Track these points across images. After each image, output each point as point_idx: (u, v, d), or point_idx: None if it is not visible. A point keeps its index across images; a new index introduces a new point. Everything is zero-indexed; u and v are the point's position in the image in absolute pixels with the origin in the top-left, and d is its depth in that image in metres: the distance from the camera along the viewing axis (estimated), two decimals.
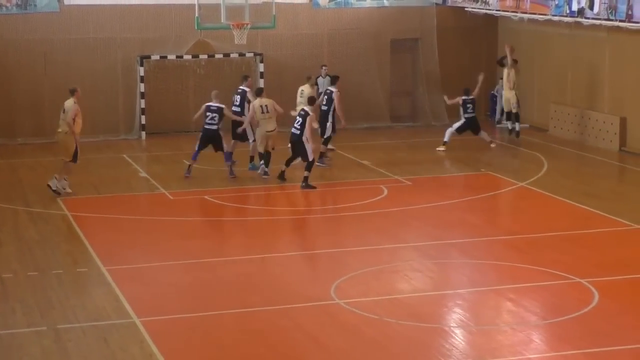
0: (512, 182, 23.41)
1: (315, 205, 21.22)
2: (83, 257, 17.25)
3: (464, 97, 25.89)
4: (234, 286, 15.96)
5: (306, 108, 22.37)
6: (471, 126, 26.09)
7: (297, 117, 22.22)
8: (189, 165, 22.85)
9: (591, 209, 20.23)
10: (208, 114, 22.87)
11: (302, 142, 21.72)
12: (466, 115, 26.00)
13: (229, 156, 23.71)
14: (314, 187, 21.67)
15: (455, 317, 14.17)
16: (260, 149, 22.85)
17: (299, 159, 22.25)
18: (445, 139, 25.96)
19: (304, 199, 21.75)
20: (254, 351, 13.24)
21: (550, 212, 21.08)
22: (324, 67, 28.38)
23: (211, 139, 22.70)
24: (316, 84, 27.79)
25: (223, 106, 23.20)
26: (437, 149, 25.95)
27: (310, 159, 21.71)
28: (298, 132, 21.82)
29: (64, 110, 21.38)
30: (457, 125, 26.13)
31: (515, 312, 14.57)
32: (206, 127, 22.75)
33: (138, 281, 16.10)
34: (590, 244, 17.80)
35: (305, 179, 21.75)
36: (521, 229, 18.97)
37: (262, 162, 22.81)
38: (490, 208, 21.21)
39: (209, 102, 23.15)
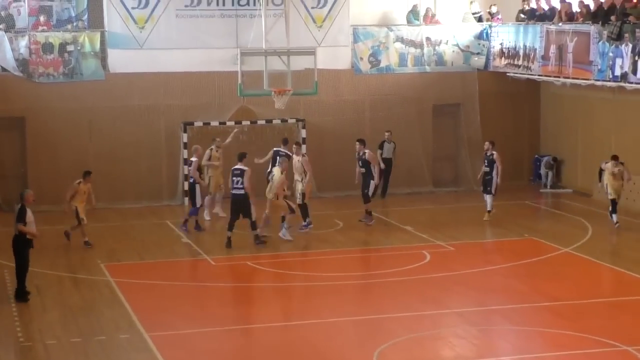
0: (556, 247, 23.21)
1: (357, 271, 21.10)
2: (125, 323, 17.25)
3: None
4: (275, 353, 15.82)
5: (242, 166, 22.60)
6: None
7: (236, 178, 22.33)
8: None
9: (637, 275, 20.02)
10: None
11: (248, 200, 22.09)
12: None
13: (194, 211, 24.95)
14: (264, 242, 22.51)
15: None
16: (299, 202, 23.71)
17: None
18: (488, 208, 25.76)
19: (345, 264, 21.60)
20: None
21: (595, 278, 20.95)
22: (387, 133, 29.12)
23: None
24: (381, 148, 28.99)
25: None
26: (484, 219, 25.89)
27: (254, 218, 22.18)
28: (242, 191, 22.20)
29: None
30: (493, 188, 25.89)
31: None
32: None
33: (179, 347, 16.06)
34: (636, 311, 17.53)
35: (256, 237, 22.54)
36: (565, 295, 18.72)
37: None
38: (533, 274, 20.93)
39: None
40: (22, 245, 18.10)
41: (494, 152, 25.73)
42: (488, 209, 25.83)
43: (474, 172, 31.61)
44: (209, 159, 25.70)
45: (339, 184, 29.30)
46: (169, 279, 20.82)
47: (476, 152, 31.65)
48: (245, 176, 22.20)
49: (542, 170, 31.37)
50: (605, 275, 21.02)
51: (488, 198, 26.00)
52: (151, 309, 18.99)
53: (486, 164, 25.92)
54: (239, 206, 22.45)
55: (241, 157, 22.88)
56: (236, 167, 22.94)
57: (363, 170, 24.93)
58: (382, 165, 28.63)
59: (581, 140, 30.02)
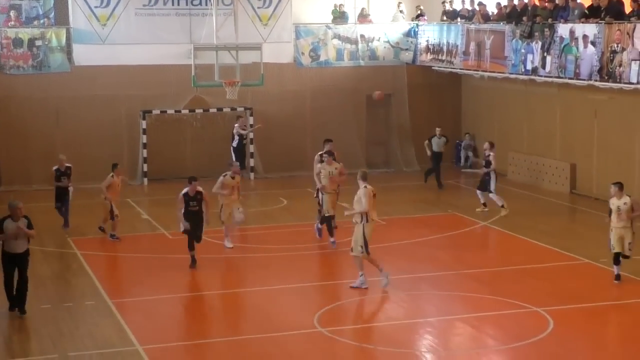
0: (476, 221, 23.42)
1: (301, 243, 20.92)
2: (91, 291, 17.22)
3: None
4: (226, 316, 15.95)
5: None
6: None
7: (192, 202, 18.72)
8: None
9: (546, 245, 20.29)
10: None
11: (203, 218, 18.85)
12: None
13: None
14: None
15: (426, 343, 14.18)
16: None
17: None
18: (500, 204, 23.60)
19: (290, 237, 21.49)
20: None
21: (510, 248, 21.14)
22: (438, 129, 27.74)
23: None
24: (430, 142, 27.54)
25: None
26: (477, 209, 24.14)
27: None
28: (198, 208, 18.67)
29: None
30: (492, 186, 23.82)
31: (479, 338, 14.63)
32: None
33: (140, 312, 16.06)
34: (545, 277, 17.81)
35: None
36: (484, 264, 19.00)
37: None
38: (456, 245, 21.12)
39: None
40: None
41: (491, 153, 24.17)
42: (483, 202, 24.38)
43: (404, 155, 32.45)
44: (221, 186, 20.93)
45: (283, 166, 29.49)
46: (130, 251, 20.77)
47: (405, 137, 32.12)
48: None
49: (462, 153, 31.75)
50: (519, 246, 21.13)
51: (482, 195, 24.37)
52: (114, 278, 19.13)
53: (484, 164, 24.33)
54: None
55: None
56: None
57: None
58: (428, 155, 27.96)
59: (497, 127, 30.19)
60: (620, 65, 22.53)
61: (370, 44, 31.36)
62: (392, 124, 32.14)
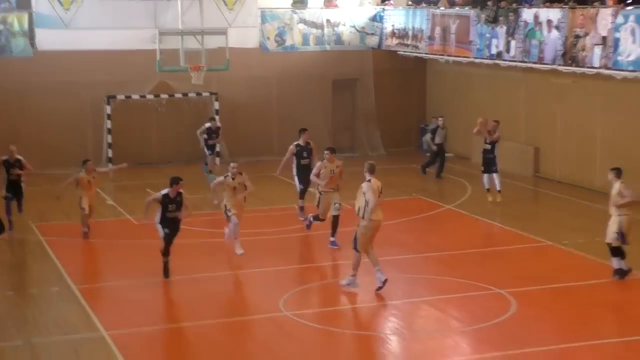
0: (440, 204, 23.50)
1: (266, 227, 20.90)
2: (55, 277, 17.15)
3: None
4: (194, 301, 15.85)
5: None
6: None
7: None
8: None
9: (510, 228, 20.46)
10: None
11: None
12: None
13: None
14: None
15: (391, 325, 14.32)
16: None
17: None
18: (498, 188, 22.99)
19: (255, 222, 21.17)
20: None
21: (474, 231, 21.29)
22: (441, 119, 26.90)
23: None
24: (433, 133, 26.55)
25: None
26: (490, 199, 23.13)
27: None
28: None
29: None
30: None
31: (444, 320, 14.81)
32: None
33: (105, 298, 16.08)
34: (508, 259, 18.06)
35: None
36: (448, 247, 19.09)
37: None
38: (420, 228, 21.27)
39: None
40: None
41: (496, 133, 23.33)
42: (498, 189, 23.30)
43: (369, 139, 32.44)
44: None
45: (249, 150, 29.28)
46: (95, 237, 20.55)
47: (371, 122, 32.19)
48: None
49: (428, 136, 31.49)
50: (482, 229, 21.37)
51: (495, 177, 23.47)
52: (79, 264, 19.00)
53: (488, 142, 23.33)
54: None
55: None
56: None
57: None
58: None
59: (462, 110, 30.23)
60: (583, 50, 22.66)
61: (336, 28, 31.31)
62: (358, 108, 32.19)
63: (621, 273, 16.19)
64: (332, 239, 18.75)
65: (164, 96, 29.39)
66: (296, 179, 21.43)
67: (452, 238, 20.27)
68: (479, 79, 29.19)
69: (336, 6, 31.48)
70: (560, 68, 23.66)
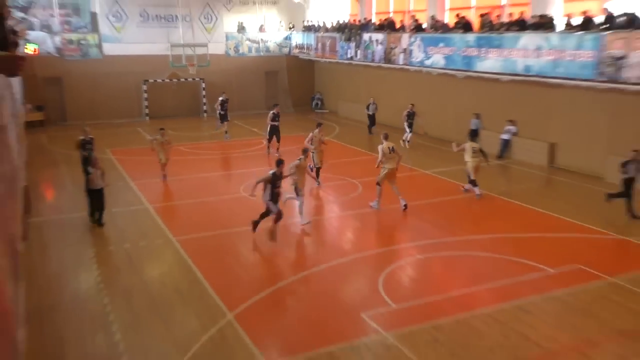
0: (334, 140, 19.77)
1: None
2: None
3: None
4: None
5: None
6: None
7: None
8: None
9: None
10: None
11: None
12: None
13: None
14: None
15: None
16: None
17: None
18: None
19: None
20: (202, 218, 12.56)
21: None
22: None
23: None
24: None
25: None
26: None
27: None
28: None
29: None
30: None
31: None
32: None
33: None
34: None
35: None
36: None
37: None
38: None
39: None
40: None
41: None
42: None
43: (285, 102, 30.83)
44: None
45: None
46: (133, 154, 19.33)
47: (286, 94, 31.19)
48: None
49: (315, 101, 31.70)
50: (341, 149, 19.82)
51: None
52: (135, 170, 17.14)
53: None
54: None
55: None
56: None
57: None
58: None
59: (334, 89, 30.35)
60: (394, 55, 22.95)
61: (266, 43, 31.11)
62: (279, 87, 31.75)
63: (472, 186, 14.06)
64: (317, 180, 15.64)
65: (175, 80, 28.95)
66: (268, 128, 19.56)
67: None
68: (341, 71, 28.92)
69: (265, 31, 31.10)
70: (383, 65, 23.77)
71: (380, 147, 13.26)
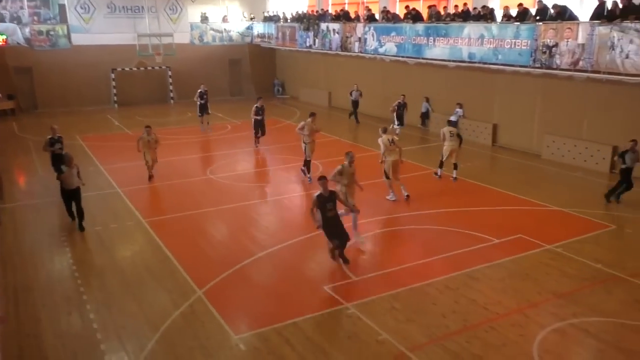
0: (282, 120, 22.09)
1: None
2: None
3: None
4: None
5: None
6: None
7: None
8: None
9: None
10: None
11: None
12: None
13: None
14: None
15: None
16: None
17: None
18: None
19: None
20: (171, 200, 12.40)
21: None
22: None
23: None
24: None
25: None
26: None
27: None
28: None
29: None
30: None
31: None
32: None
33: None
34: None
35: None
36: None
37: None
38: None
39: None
40: None
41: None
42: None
43: (247, 89, 30.63)
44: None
45: (188, 94, 26.59)
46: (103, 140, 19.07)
47: (248, 80, 30.86)
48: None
49: (276, 87, 31.42)
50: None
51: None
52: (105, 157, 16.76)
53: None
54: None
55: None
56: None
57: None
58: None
59: (293, 75, 30.19)
60: (350, 44, 22.88)
61: (229, 33, 30.70)
62: (242, 73, 31.42)
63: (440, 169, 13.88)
64: (308, 175, 14.24)
65: (142, 69, 28.67)
66: (253, 121, 18.06)
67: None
68: (301, 59, 28.77)
69: (228, 21, 30.75)
70: (341, 53, 23.70)
71: (380, 140, 12.49)
